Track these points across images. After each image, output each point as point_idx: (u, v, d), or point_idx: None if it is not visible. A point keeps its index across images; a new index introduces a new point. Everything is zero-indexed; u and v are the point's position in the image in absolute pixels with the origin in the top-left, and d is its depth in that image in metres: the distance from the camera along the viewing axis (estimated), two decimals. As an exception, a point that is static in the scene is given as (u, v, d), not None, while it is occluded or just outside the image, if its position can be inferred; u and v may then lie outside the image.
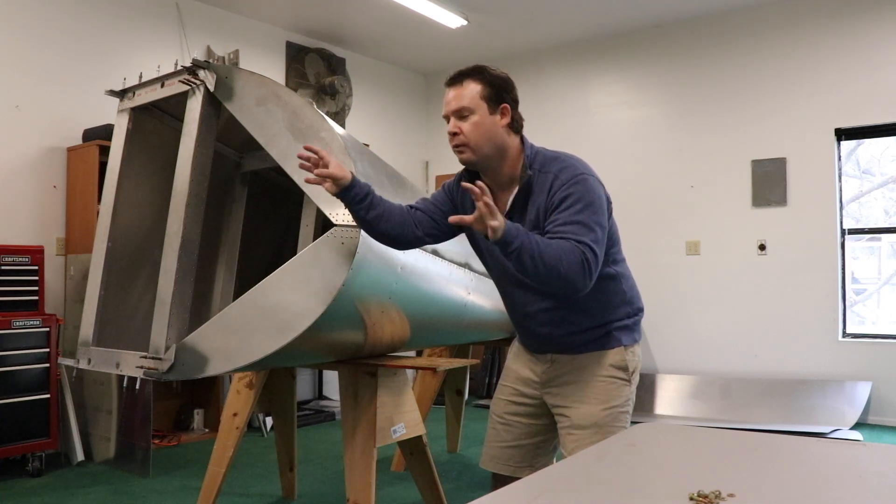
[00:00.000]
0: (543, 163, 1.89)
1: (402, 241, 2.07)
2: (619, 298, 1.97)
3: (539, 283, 1.76)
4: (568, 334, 1.95)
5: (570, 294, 1.78)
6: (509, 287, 2.01)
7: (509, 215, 1.90)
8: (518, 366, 2.08)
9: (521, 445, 2.04)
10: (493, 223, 1.66)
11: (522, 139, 1.94)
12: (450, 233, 2.06)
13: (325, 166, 1.93)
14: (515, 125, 1.92)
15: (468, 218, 1.69)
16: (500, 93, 1.89)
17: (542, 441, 2.05)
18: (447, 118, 1.92)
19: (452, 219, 1.74)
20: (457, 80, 1.91)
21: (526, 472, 1.93)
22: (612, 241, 1.93)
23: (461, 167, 2.00)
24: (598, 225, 1.79)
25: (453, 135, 1.89)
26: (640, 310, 2.04)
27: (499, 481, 2.01)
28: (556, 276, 1.70)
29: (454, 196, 2.05)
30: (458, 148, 1.90)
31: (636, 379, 2.01)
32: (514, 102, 1.93)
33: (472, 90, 1.88)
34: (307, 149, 1.95)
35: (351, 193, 1.95)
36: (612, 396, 1.94)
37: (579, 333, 1.95)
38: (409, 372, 2.99)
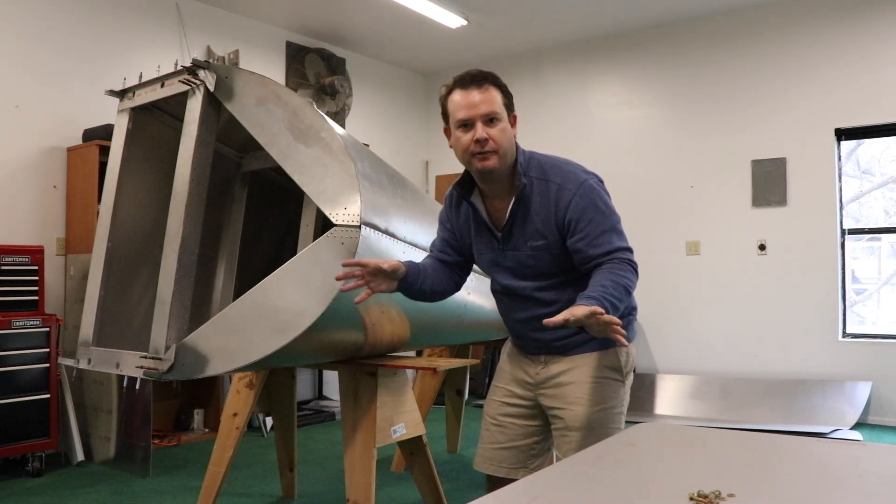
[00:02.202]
0: (540, 170, 1.89)
1: (452, 292, 2.09)
2: None
3: None
4: (561, 338, 1.93)
5: None
6: (501, 295, 2.02)
7: (509, 224, 1.90)
8: (511, 367, 2.07)
9: (516, 447, 2.02)
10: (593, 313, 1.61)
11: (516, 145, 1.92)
12: (472, 260, 2.08)
13: (375, 269, 1.83)
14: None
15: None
16: (511, 101, 1.88)
17: (536, 442, 2.03)
18: (467, 122, 1.81)
19: (558, 319, 1.61)
20: (480, 81, 1.81)
21: (520, 474, 1.93)
22: None
23: (460, 169, 1.95)
24: (618, 221, 1.87)
25: (482, 141, 1.79)
26: (634, 309, 2.03)
27: (493, 483, 2.00)
28: (630, 294, 1.79)
29: (452, 221, 2.05)
30: (485, 155, 1.81)
31: (630, 379, 2.01)
32: None
33: (496, 96, 1.81)
34: (347, 264, 1.82)
35: (409, 278, 1.91)
36: (607, 397, 1.93)
37: (573, 336, 1.94)
38: (409, 372, 2.99)
